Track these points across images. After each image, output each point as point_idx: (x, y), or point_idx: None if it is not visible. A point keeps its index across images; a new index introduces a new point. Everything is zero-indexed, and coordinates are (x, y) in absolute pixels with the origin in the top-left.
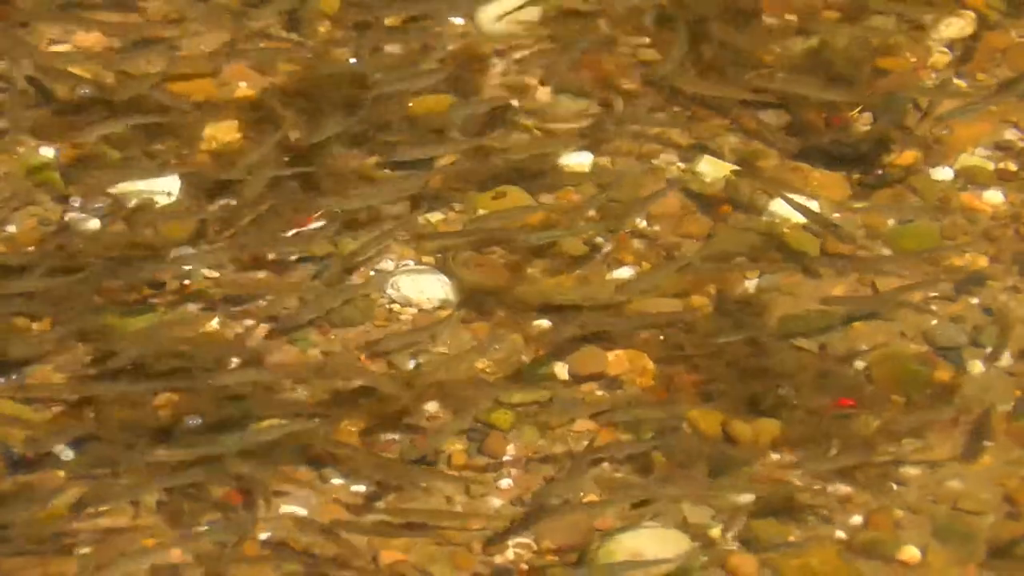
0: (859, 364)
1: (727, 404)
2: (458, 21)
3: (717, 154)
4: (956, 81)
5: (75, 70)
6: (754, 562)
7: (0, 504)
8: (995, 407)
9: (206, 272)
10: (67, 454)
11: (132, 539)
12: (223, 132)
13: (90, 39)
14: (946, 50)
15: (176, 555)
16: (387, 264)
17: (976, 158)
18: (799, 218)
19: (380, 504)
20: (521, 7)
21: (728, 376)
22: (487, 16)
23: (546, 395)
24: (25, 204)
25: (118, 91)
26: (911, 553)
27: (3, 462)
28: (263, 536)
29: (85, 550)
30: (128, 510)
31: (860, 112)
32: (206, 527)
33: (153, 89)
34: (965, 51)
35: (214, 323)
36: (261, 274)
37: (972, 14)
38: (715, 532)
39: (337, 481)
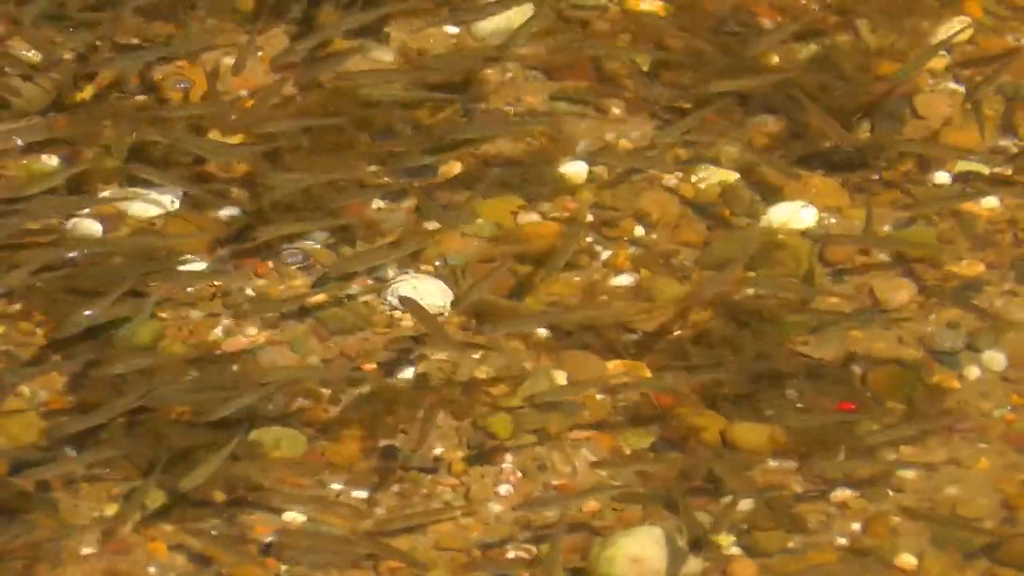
0: (856, 370)
1: (728, 410)
2: (453, 29)
3: (715, 161)
4: (953, 86)
5: None
6: (754, 568)
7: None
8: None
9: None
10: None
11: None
12: None
13: None
14: (944, 54)
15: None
16: (387, 271)
17: (973, 163)
18: (797, 224)
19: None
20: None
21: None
22: (483, 23)
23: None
24: None
25: None
26: (908, 560)
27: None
28: (267, 540)
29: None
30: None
31: (859, 118)
32: None
33: None
34: (963, 55)
35: (218, 331)
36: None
37: (969, 19)
38: (715, 537)
39: (337, 487)
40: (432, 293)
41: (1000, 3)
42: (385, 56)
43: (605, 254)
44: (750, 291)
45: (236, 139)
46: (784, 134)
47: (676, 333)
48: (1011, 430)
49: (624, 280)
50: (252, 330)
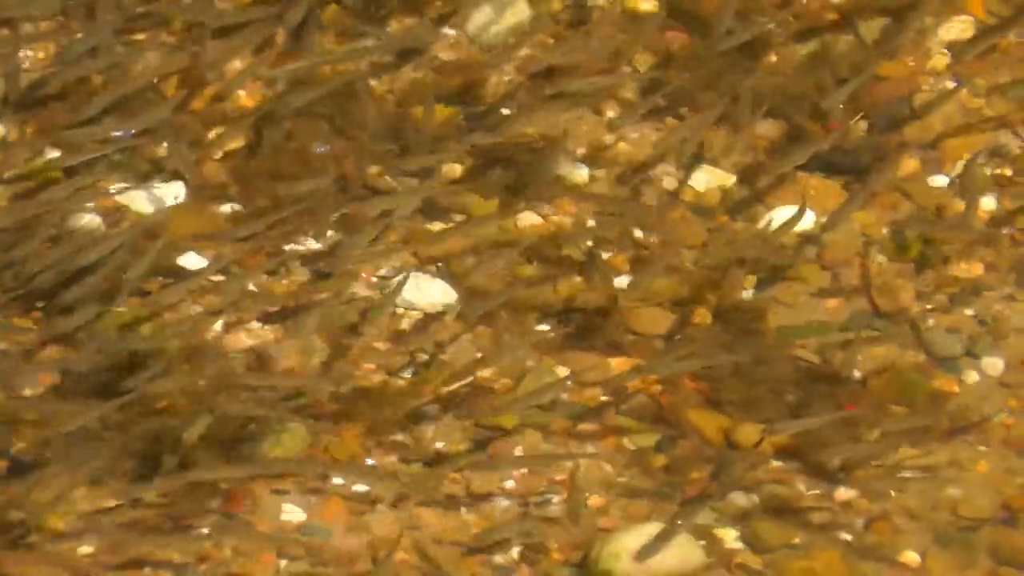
0: (856, 374)
1: (732, 410)
2: (450, 32)
3: (714, 163)
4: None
5: None
6: (759, 564)
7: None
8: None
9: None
10: None
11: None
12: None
13: None
14: (946, 52)
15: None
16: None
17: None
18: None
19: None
20: None
21: (733, 382)
22: (475, 24)
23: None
24: None
25: None
26: (912, 558)
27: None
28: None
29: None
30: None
31: (859, 119)
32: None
33: None
34: (964, 54)
35: (217, 326)
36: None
37: (971, 17)
38: (719, 532)
39: (338, 481)
40: (433, 294)
41: (1004, 2)
42: None
43: (605, 256)
44: (748, 294)
45: None
46: (781, 137)
47: (679, 335)
48: (1010, 434)
49: (624, 282)
50: (256, 327)
